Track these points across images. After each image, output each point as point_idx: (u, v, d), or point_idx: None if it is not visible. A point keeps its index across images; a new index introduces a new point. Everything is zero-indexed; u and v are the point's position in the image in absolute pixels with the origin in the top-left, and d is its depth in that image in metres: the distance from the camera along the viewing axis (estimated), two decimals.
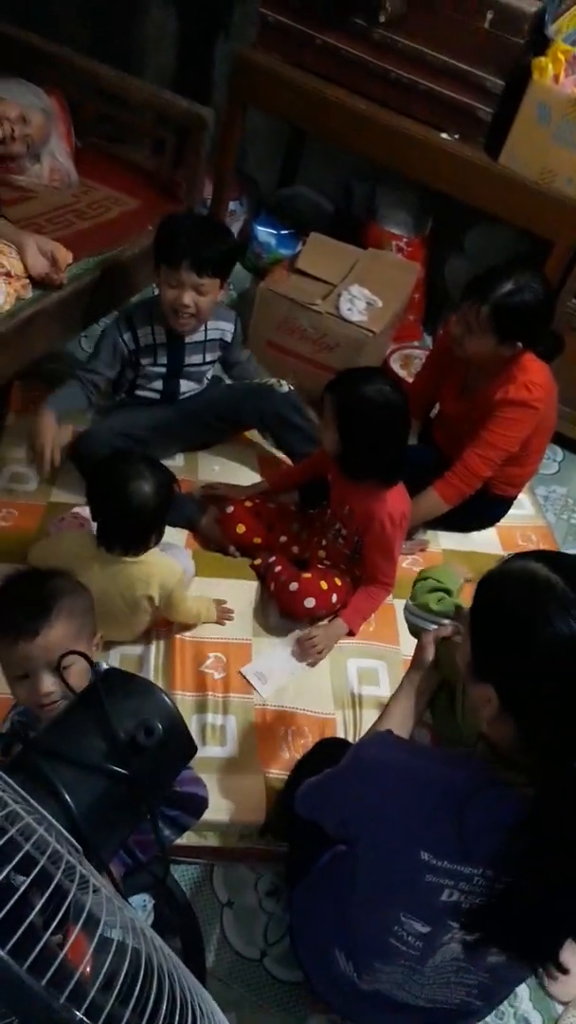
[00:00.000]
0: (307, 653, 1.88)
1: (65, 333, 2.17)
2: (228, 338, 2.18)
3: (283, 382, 2.25)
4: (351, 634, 1.94)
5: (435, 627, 1.34)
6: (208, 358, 2.18)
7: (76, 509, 1.96)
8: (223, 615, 1.91)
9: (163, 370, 2.13)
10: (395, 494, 1.84)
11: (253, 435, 2.40)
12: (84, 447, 2.03)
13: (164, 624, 1.85)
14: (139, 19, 2.68)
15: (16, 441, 2.22)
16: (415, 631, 1.39)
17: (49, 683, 1.15)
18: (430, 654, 1.29)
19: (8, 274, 1.91)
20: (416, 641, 1.37)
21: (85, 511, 1.90)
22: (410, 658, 1.90)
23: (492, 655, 0.96)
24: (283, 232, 3.04)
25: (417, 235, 2.93)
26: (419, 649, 1.32)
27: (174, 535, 2.06)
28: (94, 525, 1.67)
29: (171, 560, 1.72)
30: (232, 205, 2.99)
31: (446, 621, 1.36)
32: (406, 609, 1.44)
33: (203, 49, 2.98)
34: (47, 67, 2.30)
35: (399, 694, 1.30)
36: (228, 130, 2.61)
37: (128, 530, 1.59)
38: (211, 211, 2.74)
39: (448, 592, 1.48)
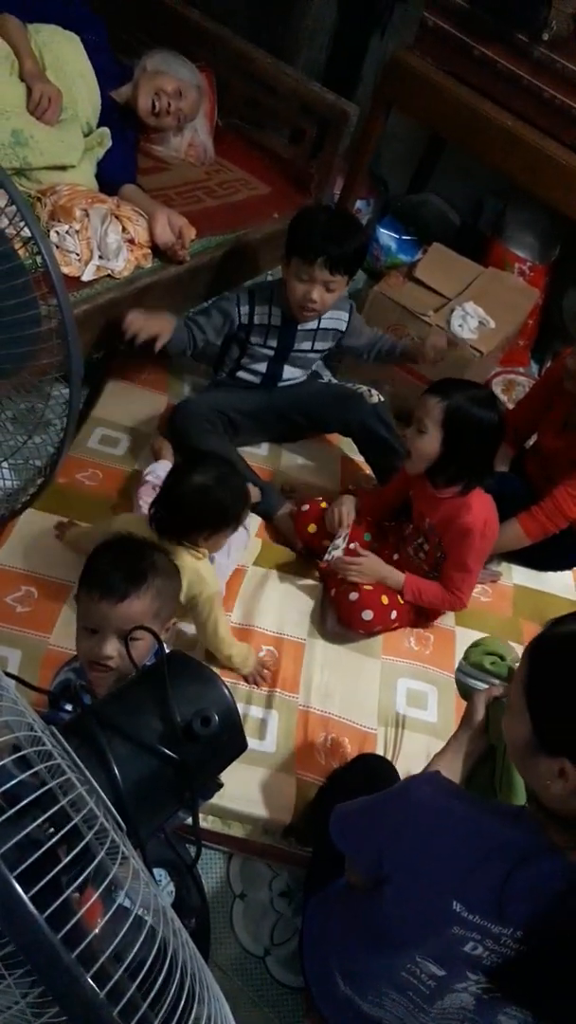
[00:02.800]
0: (344, 566, 1.86)
1: (177, 307, 2.19)
2: (343, 327, 2.15)
3: (374, 392, 2.21)
4: (401, 595, 1.89)
5: (486, 687, 1.30)
6: (318, 346, 2.17)
7: (149, 477, 1.97)
8: (259, 671, 1.79)
9: (271, 352, 2.13)
10: (483, 504, 1.80)
11: (340, 438, 2.39)
12: (179, 418, 2.07)
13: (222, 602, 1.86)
14: (299, 9, 2.68)
15: (112, 405, 2.27)
16: (465, 692, 1.34)
17: (112, 647, 1.17)
18: (480, 714, 1.25)
19: (132, 241, 1.94)
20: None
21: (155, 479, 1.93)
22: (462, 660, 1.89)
23: (566, 726, 0.90)
24: (405, 238, 3.01)
25: (542, 261, 2.86)
26: (469, 709, 1.28)
27: (250, 520, 2.07)
28: None
29: (210, 572, 1.67)
30: (359, 203, 2.97)
31: (497, 682, 1.32)
32: (458, 669, 1.39)
33: (357, 45, 2.96)
34: (205, 45, 2.33)
35: (445, 752, 1.26)
36: (369, 129, 2.59)
37: (173, 514, 1.57)
38: (337, 207, 2.73)
39: (502, 657, 1.43)
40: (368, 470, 2.31)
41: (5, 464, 1.66)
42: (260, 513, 2.09)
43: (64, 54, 2.00)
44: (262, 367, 2.17)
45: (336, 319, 2.13)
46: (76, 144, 1.98)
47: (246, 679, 1.78)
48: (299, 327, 2.09)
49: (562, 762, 0.88)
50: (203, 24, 2.33)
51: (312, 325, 2.10)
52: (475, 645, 1.41)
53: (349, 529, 1.97)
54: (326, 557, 1.94)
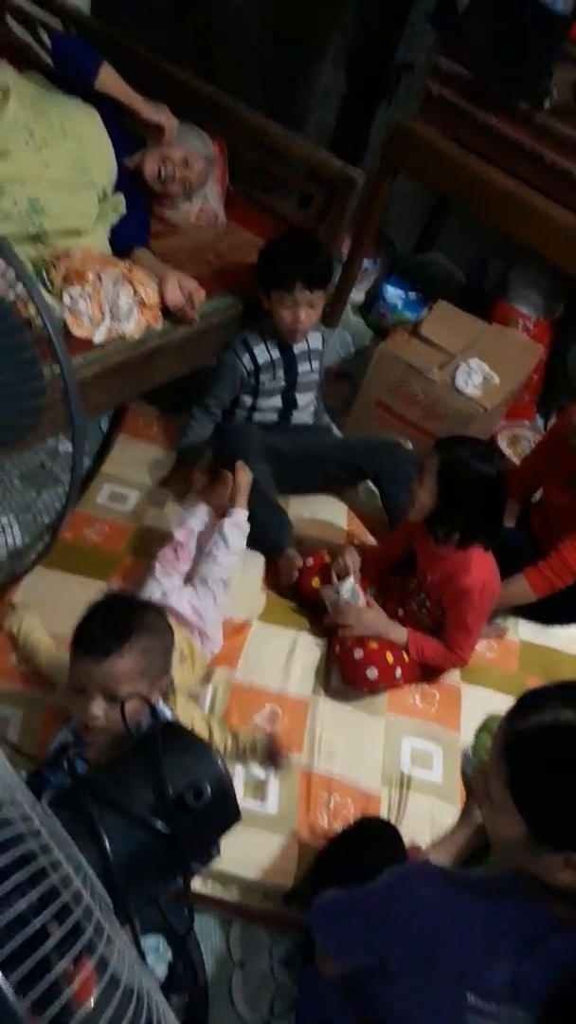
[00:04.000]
0: (343, 613, 1.89)
1: (186, 365, 2.24)
2: (320, 346, 2.32)
3: (408, 441, 2.36)
4: (406, 650, 1.88)
5: None
6: (314, 366, 2.31)
7: (177, 534, 1.98)
8: (277, 751, 1.67)
9: (282, 384, 2.26)
10: (483, 564, 1.81)
11: (345, 491, 2.41)
12: (227, 436, 2.17)
13: (225, 661, 1.86)
14: (310, 80, 2.79)
15: (122, 461, 2.30)
16: (469, 784, 1.30)
17: (98, 707, 1.17)
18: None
19: (143, 303, 1.99)
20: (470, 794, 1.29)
21: (183, 535, 1.95)
22: (468, 746, 1.87)
23: (565, 822, 0.87)
24: (411, 295, 3.07)
25: (546, 318, 2.91)
26: (469, 804, 1.25)
27: (255, 565, 2.09)
28: (191, 545, 1.87)
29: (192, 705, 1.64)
30: (366, 262, 3.05)
31: None
32: (464, 756, 1.35)
33: (364, 113, 3.07)
34: (218, 117, 2.41)
35: (439, 850, 1.23)
36: (375, 192, 2.67)
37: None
38: (345, 266, 2.80)
39: None
40: (375, 525, 2.33)
41: (15, 521, 1.68)
42: (268, 548, 2.11)
43: (82, 124, 2.08)
44: (277, 401, 2.29)
45: (318, 339, 2.31)
46: (90, 210, 2.05)
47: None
48: (295, 351, 2.24)
49: (567, 855, 0.87)
50: (216, 97, 2.42)
51: (303, 347, 2.25)
52: (485, 727, 1.36)
53: (353, 575, 1.98)
54: (326, 598, 1.95)
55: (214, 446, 2.19)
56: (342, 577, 1.98)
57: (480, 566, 1.80)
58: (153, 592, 1.83)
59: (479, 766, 1.01)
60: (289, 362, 2.25)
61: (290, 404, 2.31)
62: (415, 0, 2.88)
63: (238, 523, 1.97)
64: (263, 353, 2.20)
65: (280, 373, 2.24)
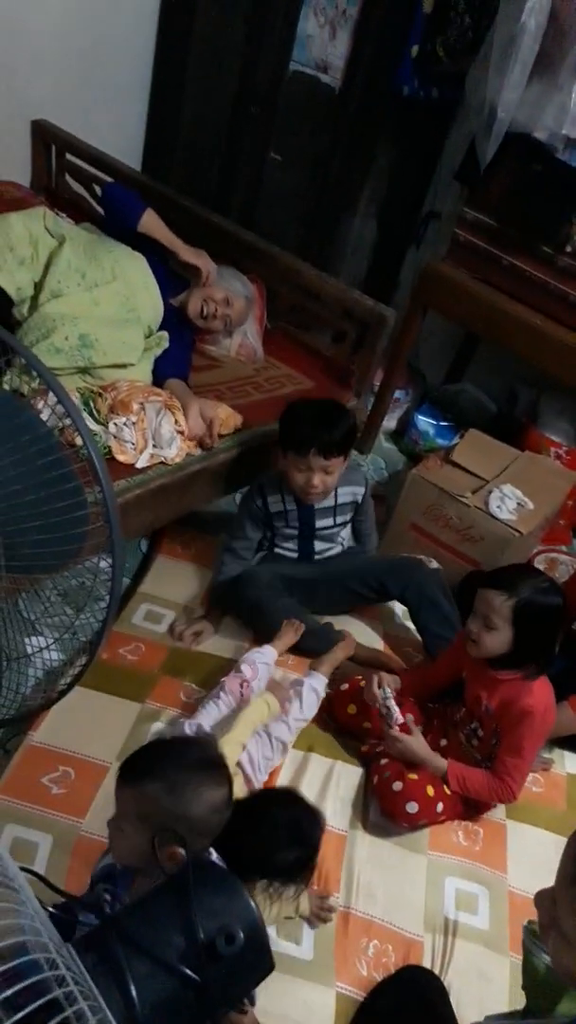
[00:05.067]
0: (391, 738, 1.79)
1: (223, 490, 2.30)
2: (359, 499, 2.28)
3: (433, 560, 2.31)
4: (446, 782, 1.79)
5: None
6: (339, 520, 2.27)
7: (246, 671, 1.95)
8: (319, 913, 1.62)
9: (295, 532, 2.25)
10: (545, 688, 1.77)
11: (383, 611, 2.40)
12: (245, 586, 2.15)
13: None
14: (343, 228, 2.99)
15: (159, 581, 2.33)
16: (533, 970, 1.18)
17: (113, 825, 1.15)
18: None
19: (183, 432, 2.08)
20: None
21: (250, 672, 1.94)
22: (518, 891, 1.76)
23: None
24: (443, 424, 3.15)
25: None
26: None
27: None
28: (256, 685, 1.85)
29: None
30: (398, 393, 3.14)
31: None
32: (525, 938, 1.21)
33: (394, 257, 3.26)
34: (258, 260, 2.59)
35: None
36: (406, 329, 2.80)
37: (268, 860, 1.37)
38: (377, 398, 2.89)
39: None
40: (411, 648, 2.29)
41: (55, 643, 1.69)
42: (312, 648, 2.11)
43: (131, 268, 2.24)
44: (293, 545, 2.28)
45: (352, 494, 2.26)
46: (136, 344, 2.17)
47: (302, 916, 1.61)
48: (315, 507, 2.21)
49: None
50: (256, 243, 2.60)
51: (329, 503, 2.21)
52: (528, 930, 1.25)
53: (392, 695, 1.87)
54: (375, 700, 1.84)
55: (234, 596, 2.17)
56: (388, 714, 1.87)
57: (542, 689, 1.75)
58: (210, 713, 1.83)
59: (542, 892, 0.93)
60: (306, 514, 2.21)
61: (308, 552, 2.28)
62: (441, 155, 3.12)
63: (316, 688, 1.95)
64: (277, 503, 2.19)
65: (295, 523, 2.22)
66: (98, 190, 2.71)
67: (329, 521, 2.25)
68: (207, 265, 2.35)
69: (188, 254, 2.33)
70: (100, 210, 2.72)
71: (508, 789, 1.79)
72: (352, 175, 2.86)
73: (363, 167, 2.88)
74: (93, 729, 1.85)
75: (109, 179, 2.67)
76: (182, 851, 1.01)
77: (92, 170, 2.72)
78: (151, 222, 2.31)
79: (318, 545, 2.28)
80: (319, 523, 2.24)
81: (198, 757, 1.20)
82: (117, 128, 2.89)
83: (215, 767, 1.19)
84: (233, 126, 2.97)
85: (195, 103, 2.98)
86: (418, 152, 3.07)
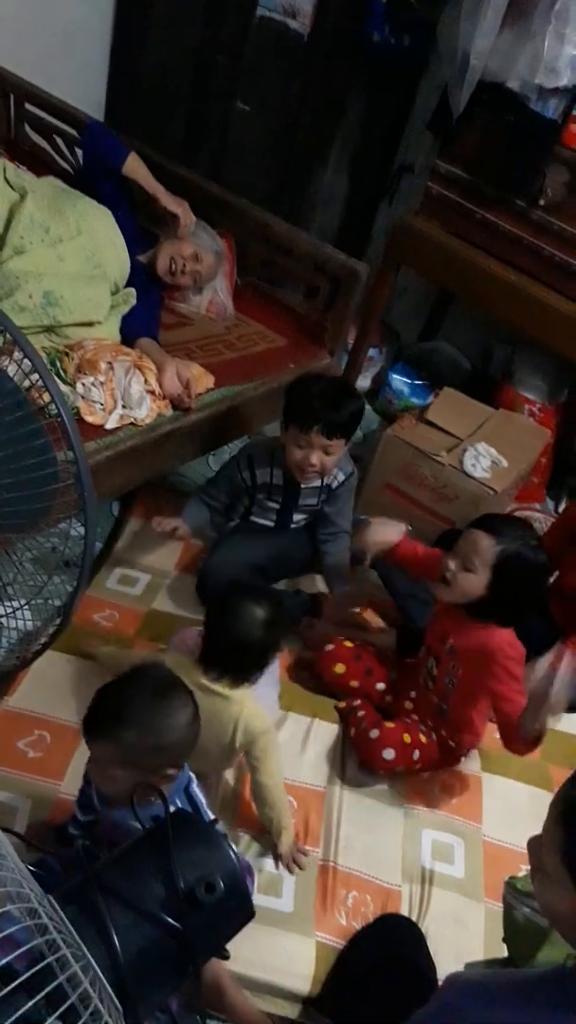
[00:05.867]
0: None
1: (196, 452, 2.27)
2: (337, 484, 2.19)
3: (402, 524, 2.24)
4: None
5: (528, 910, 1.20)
6: (323, 498, 2.22)
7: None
8: (295, 855, 1.67)
9: (277, 505, 2.20)
10: (508, 632, 1.74)
11: (356, 572, 2.40)
12: (208, 577, 2.10)
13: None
14: (314, 181, 2.93)
15: (132, 544, 2.31)
16: (513, 924, 1.23)
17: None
18: None
19: (152, 392, 2.04)
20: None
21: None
22: (493, 840, 1.79)
23: None
24: (417, 383, 3.13)
25: (551, 403, 2.95)
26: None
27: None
28: None
29: (261, 709, 1.65)
30: (372, 351, 3.12)
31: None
32: (507, 894, 1.26)
33: (366, 211, 3.20)
34: (226, 214, 2.53)
35: None
36: (379, 285, 2.76)
37: (230, 657, 1.57)
38: (351, 355, 2.86)
39: None
40: (388, 608, 2.30)
41: (26, 606, 1.67)
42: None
43: (96, 222, 2.18)
44: (272, 516, 2.23)
45: (334, 478, 2.18)
46: (103, 301, 2.11)
47: (277, 856, 1.66)
48: (303, 486, 2.14)
49: None
50: (224, 196, 2.53)
51: (317, 483, 2.15)
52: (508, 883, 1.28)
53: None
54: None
55: (200, 591, 2.14)
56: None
57: (508, 633, 1.74)
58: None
59: (534, 838, 0.97)
60: (291, 492, 2.16)
61: (285, 522, 2.23)
62: (414, 106, 3.05)
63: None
64: (265, 475, 2.13)
65: (278, 497, 2.17)
66: (60, 142, 2.62)
67: (314, 500, 2.21)
68: (188, 215, 2.30)
69: (169, 201, 2.29)
70: (63, 163, 2.64)
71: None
72: (322, 125, 2.79)
73: (334, 117, 2.81)
74: (68, 693, 1.85)
75: (71, 130, 2.58)
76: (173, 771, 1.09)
77: (53, 121, 2.63)
78: (135, 165, 2.28)
79: (296, 516, 2.25)
80: (303, 501, 2.20)
81: (154, 686, 1.23)
82: (78, 77, 2.80)
83: (173, 688, 1.25)
84: (199, 75, 2.88)
85: (159, 51, 2.88)
86: (390, 102, 3.00)
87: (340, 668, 2.00)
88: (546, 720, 1.54)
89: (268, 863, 1.65)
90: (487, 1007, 0.91)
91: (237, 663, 1.57)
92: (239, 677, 1.58)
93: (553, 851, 0.86)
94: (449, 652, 1.83)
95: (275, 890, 1.61)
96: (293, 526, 2.25)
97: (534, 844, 0.91)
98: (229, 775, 1.77)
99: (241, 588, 1.66)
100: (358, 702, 1.95)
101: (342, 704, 1.98)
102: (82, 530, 1.38)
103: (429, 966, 1.47)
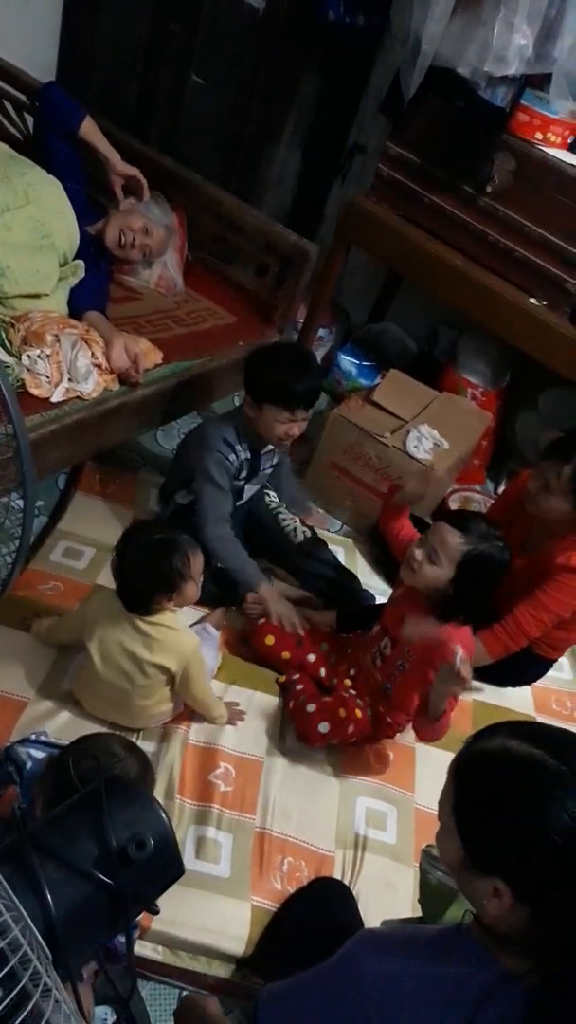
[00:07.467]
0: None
1: (143, 427, 2.28)
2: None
3: (300, 532, 2.35)
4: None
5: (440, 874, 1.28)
6: (274, 461, 2.29)
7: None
8: (235, 716, 1.91)
9: (244, 480, 2.21)
10: (465, 631, 1.79)
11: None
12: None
13: (182, 720, 1.85)
14: (267, 158, 2.92)
15: (77, 518, 2.31)
16: (429, 887, 1.32)
17: None
18: None
19: (99, 365, 2.04)
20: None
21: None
22: (424, 808, 1.87)
23: (496, 846, 0.89)
24: (365, 364, 3.17)
25: (493, 387, 3.02)
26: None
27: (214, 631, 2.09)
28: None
29: (190, 633, 1.79)
30: (321, 331, 3.14)
31: None
32: (423, 860, 1.35)
33: (318, 190, 3.21)
34: (177, 188, 2.52)
35: None
36: (329, 265, 2.78)
37: (127, 585, 1.67)
38: (301, 335, 2.89)
39: None
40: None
41: None
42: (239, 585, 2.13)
43: (45, 192, 2.15)
44: (239, 491, 2.23)
45: None
46: (50, 273, 2.10)
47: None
48: (262, 451, 2.18)
49: (495, 881, 0.88)
50: (176, 170, 2.52)
51: (269, 445, 2.18)
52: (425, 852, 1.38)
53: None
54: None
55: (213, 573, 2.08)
56: None
57: (462, 631, 1.79)
58: None
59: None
60: (256, 462, 2.19)
61: (239, 492, 2.23)
62: (367, 87, 3.06)
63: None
64: (242, 452, 2.13)
65: (245, 472, 2.18)
66: (9, 106, 2.57)
67: (268, 464, 2.25)
68: (142, 180, 2.32)
69: (123, 166, 2.29)
70: (12, 129, 2.59)
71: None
72: (276, 102, 2.78)
73: (288, 94, 2.80)
74: (13, 666, 1.85)
75: (20, 95, 2.53)
76: None
77: (2, 85, 2.57)
78: (91, 128, 2.27)
79: (247, 490, 2.27)
80: (262, 466, 2.23)
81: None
82: (29, 41, 2.73)
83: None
84: (152, 45, 2.84)
85: (112, 12, 2.83)
86: (344, 81, 3.00)
87: (270, 640, 2.05)
88: (443, 703, 1.70)
89: (208, 831, 1.70)
90: (377, 956, 0.98)
91: (134, 591, 1.67)
92: (147, 602, 1.67)
93: (446, 803, 0.96)
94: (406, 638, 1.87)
95: (213, 856, 1.66)
96: (246, 498, 2.28)
97: (440, 801, 0.99)
98: (176, 749, 1.81)
99: (134, 526, 1.80)
100: (297, 676, 2.00)
101: (282, 678, 2.03)
102: (22, 503, 1.38)
103: (358, 925, 1.54)
